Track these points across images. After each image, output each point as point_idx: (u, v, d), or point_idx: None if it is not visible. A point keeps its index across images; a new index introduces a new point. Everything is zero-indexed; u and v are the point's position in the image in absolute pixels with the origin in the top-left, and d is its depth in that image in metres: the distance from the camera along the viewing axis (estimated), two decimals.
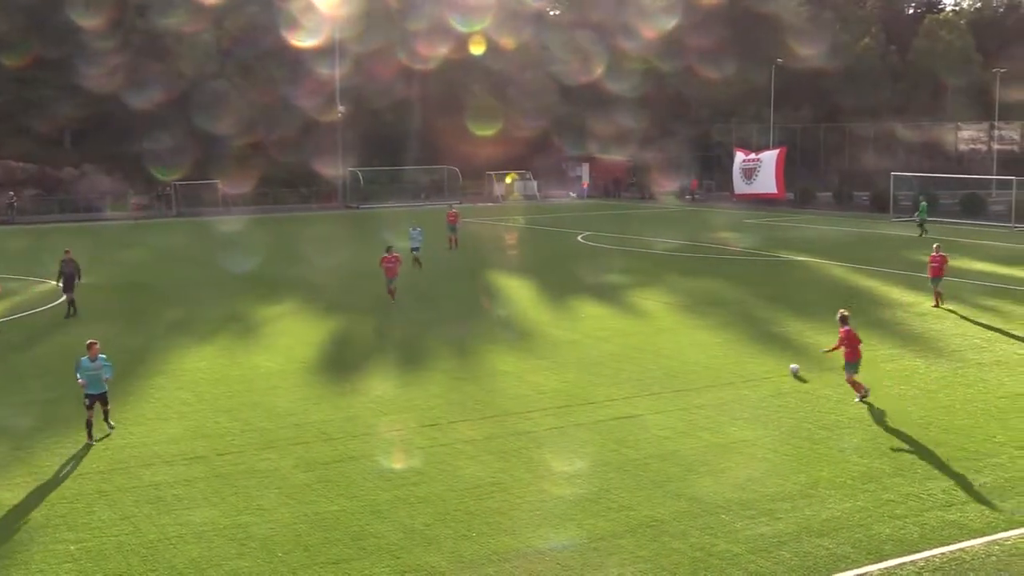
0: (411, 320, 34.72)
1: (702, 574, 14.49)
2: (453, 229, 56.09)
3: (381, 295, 37.98)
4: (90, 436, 20.94)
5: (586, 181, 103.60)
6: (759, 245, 56.68)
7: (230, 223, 74.00)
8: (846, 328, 23.37)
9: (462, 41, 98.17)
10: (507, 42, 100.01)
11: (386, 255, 38.59)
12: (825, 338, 30.50)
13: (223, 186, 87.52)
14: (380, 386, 25.78)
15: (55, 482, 18.56)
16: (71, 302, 36.02)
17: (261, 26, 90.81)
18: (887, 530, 15.99)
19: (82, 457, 19.93)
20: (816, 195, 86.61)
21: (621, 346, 30.27)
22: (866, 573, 14.52)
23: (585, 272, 46.45)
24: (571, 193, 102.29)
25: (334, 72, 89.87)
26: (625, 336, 31.91)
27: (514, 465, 19.28)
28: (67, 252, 36.73)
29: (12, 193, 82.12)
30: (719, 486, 17.99)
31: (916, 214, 62.50)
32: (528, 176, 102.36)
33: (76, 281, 36.24)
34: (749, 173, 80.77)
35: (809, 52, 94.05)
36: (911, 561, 14.85)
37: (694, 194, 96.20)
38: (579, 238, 61.98)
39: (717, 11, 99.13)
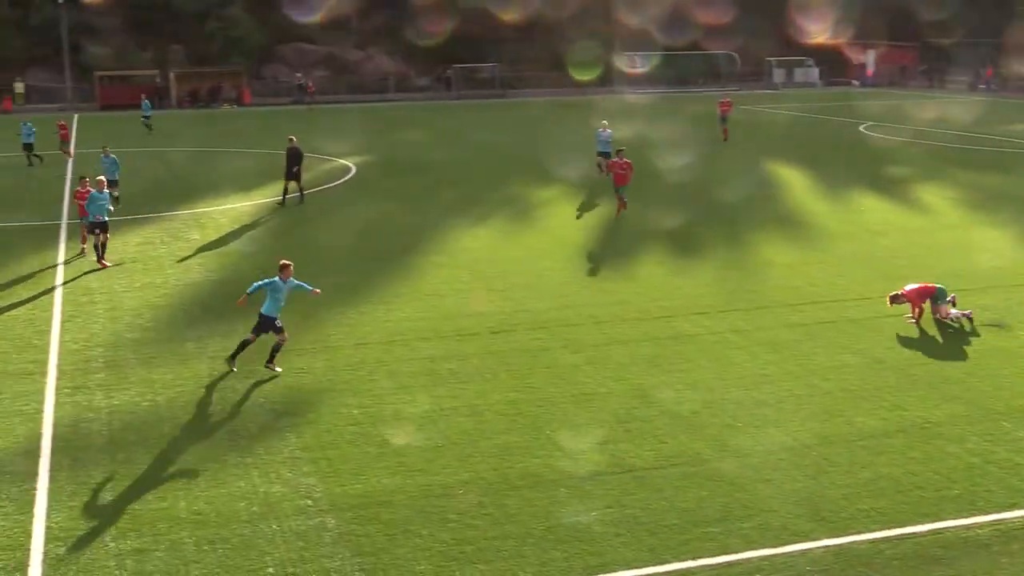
0: (680, 209, 34.40)
1: (979, 481, 13.86)
2: (724, 120, 54.32)
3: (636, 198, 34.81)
4: (233, 359, 18.37)
5: (871, 69, 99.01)
6: None
7: (504, 105, 74.96)
8: (909, 291, 20.99)
9: None
10: None
11: (615, 159, 33.34)
12: None
13: (498, 69, 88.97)
14: (649, 272, 25.84)
15: (339, 350, 19.58)
16: (299, 191, 35.34)
17: None
18: None
19: (365, 328, 20.94)
20: None
21: (900, 241, 29.13)
22: None
23: (865, 163, 44.69)
24: (855, 81, 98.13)
25: None
26: (905, 231, 30.65)
27: (784, 357, 19.00)
28: (291, 140, 35.72)
29: (300, 75, 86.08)
30: (1001, 392, 17.14)
31: None
32: (809, 63, 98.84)
33: (297, 168, 35.02)
34: None
35: None
36: None
37: (989, 83, 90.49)
38: (861, 128, 59.53)
39: None
